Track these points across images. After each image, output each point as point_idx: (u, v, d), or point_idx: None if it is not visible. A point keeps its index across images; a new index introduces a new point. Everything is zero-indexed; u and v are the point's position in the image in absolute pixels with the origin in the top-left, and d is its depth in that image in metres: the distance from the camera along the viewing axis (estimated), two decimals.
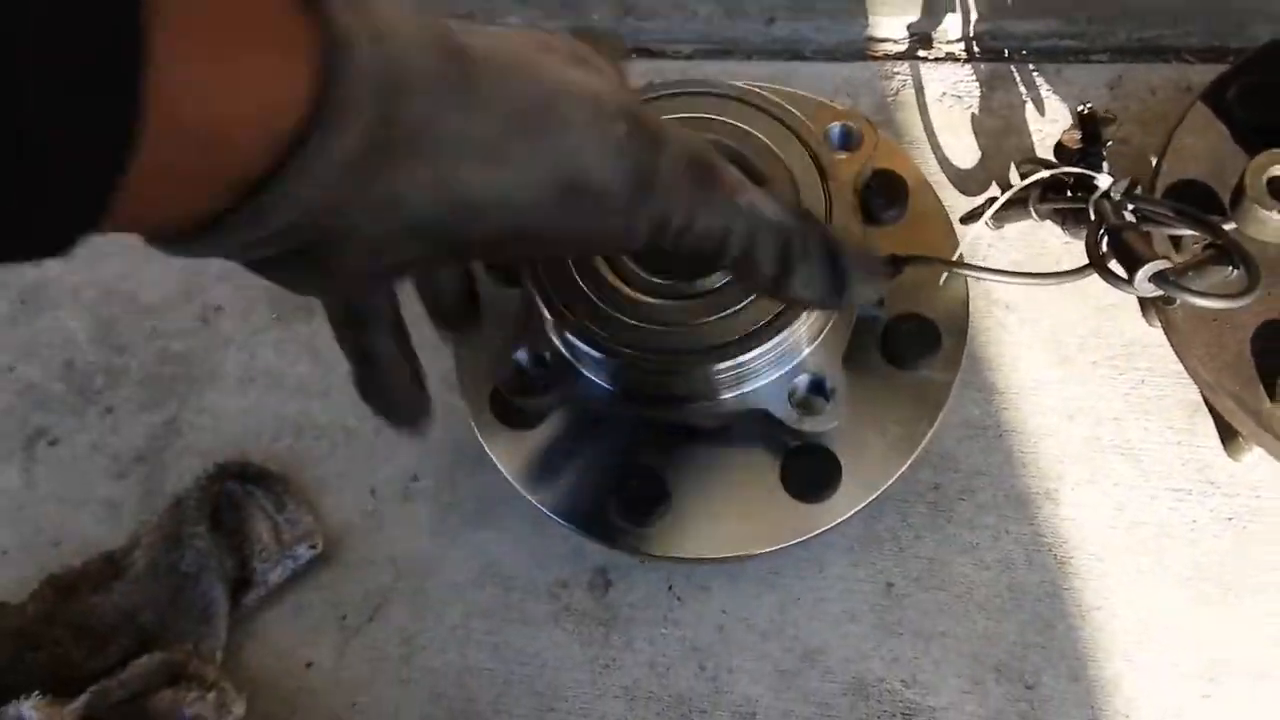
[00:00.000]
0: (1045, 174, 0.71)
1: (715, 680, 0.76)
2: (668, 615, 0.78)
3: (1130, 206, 0.65)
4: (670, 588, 0.79)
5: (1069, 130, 0.74)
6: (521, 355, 0.68)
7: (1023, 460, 0.80)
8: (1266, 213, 0.64)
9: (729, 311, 0.64)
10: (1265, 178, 0.65)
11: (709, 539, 0.70)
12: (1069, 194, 0.72)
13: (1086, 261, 0.63)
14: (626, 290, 0.65)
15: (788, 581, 0.78)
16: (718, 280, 0.64)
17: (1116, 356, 0.81)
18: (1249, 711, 0.71)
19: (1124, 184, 0.68)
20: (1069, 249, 0.85)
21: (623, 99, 0.45)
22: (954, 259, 0.72)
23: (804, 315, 0.63)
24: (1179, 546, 0.76)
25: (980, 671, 0.74)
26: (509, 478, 0.74)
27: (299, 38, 0.34)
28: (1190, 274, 0.61)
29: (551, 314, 0.65)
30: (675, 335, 0.63)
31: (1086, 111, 0.72)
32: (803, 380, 0.66)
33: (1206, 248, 0.62)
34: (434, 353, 0.86)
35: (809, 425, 0.65)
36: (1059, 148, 0.74)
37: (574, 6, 1.01)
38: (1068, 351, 0.82)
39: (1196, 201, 0.72)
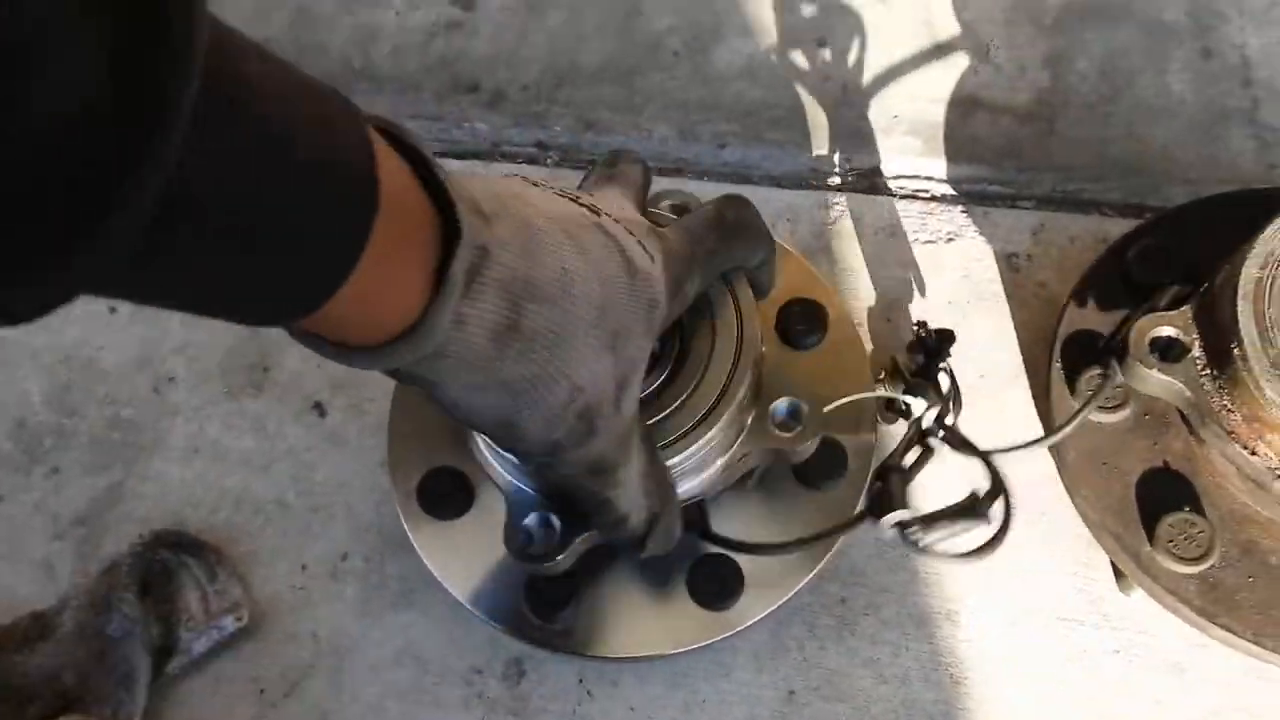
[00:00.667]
0: (875, 395, 0.76)
1: None
2: (576, 709, 0.81)
3: (940, 434, 0.70)
4: (581, 681, 0.82)
5: (908, 349, 0.77)
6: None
7: (926, 581, 0.83)
8: (1148, 370, 0.70)
9: (661, 416, 0.67)
10: (1148, 338, 0.70)
11: (615, 639, 0.74)
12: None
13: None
14: None
15: (694, 683, 0.81)
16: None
17: (1020, 488, 0.85)
18: None
19: (934, 412, 0.72)
20: (982, 381, 0.90)
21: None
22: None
23: (723, 420, 0.67)
24: (1070, 675, 0.79)
25: None
26: (430, 567, 0.77)
27: (432, 238, 0.46)
28: (943, 523, 0.67)
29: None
30: None
31: (924, 333, 0.75)
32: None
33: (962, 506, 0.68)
34: (371, 435, 0.91)
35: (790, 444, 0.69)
36: (893, 365, 0.77)
37: (539, 119, 1.07)
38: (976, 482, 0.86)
39: (1090, 351, 0.77)
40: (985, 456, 0.67)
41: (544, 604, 0.73)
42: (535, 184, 0.57)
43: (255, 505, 0.91)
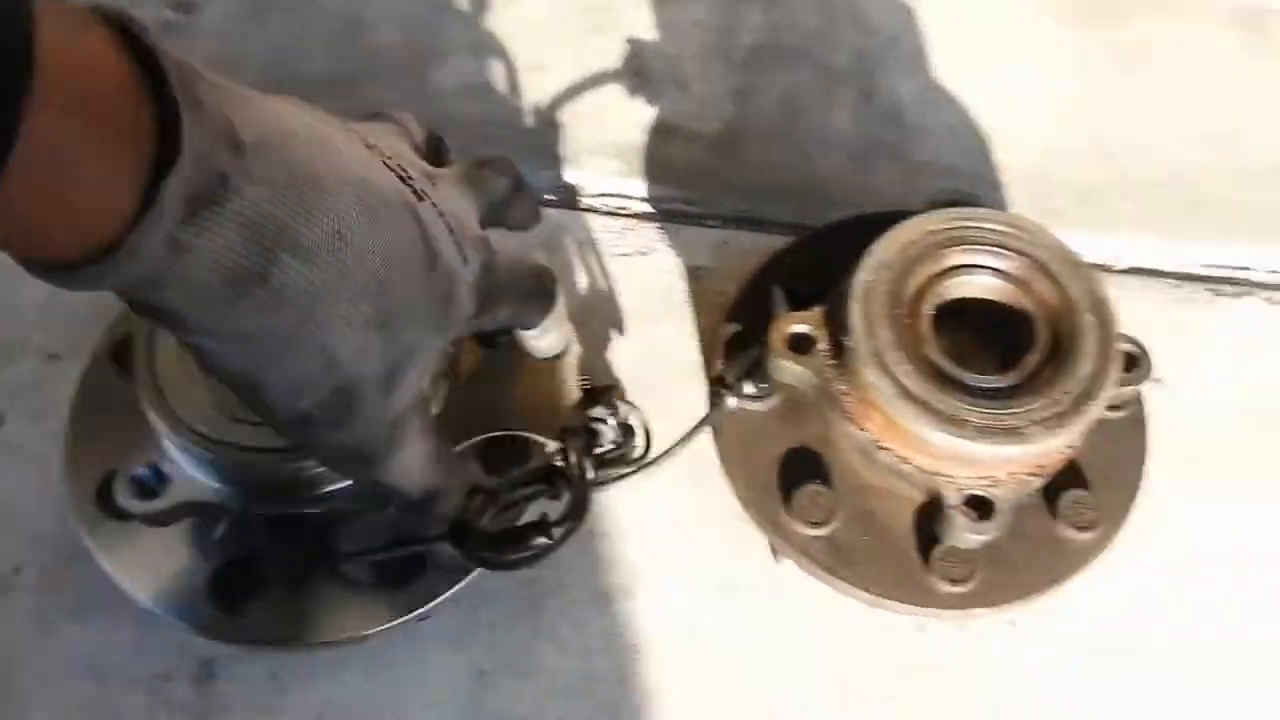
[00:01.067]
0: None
1: None
2: (271, 705, 0.82)
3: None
4: (274, 677, 0.83)
5: (577, 407, 0.84)
6: (138, 470, 0.73)
7: (609, 560, 0.91)
8: (783, 362, 0.80)
9: None
10: (785, 334, 0.81)
11: (301, 628, 0.76)
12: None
13: None
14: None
15: (392, 672, 0.84)
16: None
17: (695, 472, 0.94)
18: None
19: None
20: (670, 381, 0.98)
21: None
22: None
23: None
24: (727, 637, 0.88)
25: None
26: (109, 571, 0.77)
27: (145, 147, 0.41)
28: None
29: (159, 416, 0.70)
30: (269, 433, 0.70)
31: (590, 388, 0.84)
32: None
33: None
34: (55, 441, 0.89)
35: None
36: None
37: None
38: (657, 465, 0.95)
39: (747, 348, 0.87)
40: (583, 486, 0.75)
41: (227, 598, 0.75)
42: (369, 145, 0.54)
43: None
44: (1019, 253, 0.80)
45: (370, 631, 0.77)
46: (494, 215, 0.69)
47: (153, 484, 0.73)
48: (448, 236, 0.56)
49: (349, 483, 0.73)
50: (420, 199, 0.54)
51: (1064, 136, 1.14)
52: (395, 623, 0.77)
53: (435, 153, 0.68)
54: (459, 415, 0.78)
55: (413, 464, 0.60)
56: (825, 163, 1.12)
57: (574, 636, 0.87)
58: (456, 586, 0.78)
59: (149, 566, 0.76)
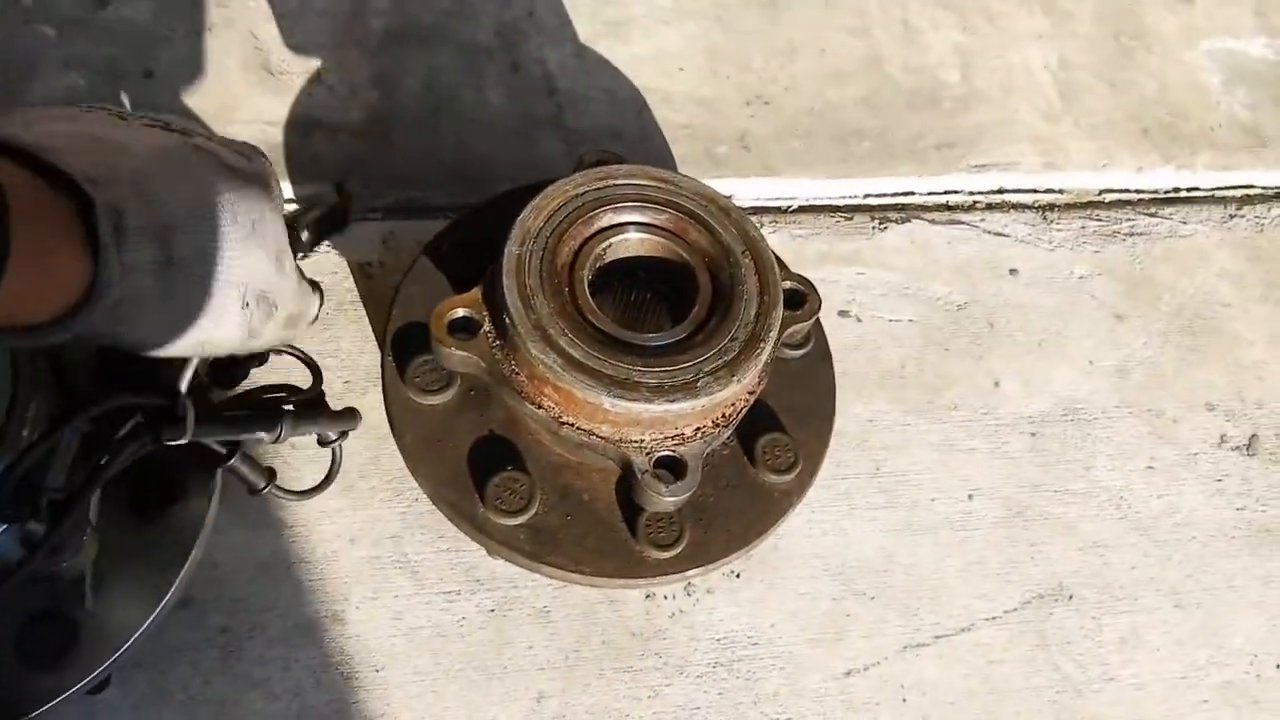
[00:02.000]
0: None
1: None
2: None
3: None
4: None
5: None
6: None
7: (311, 588, 0.85)
8: (448, 350, 0.76)
9: None
10: (447, 320, 0.77)
11: None
12: None
13: None
14: None
15: None
16: None
17: (393, 480, 0.90)
18: None
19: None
20: (348, 386, 0.93)
21: None
22: None
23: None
24: (450, 643, 0.85)
25: None
26: None
27: (78, 249, 0.52)
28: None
29: None
30: None
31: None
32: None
33: None
34: None
35: (44, 565, 0.64)
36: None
37: None
38: (350, 481, 0.89)
39: (422, 338, 0.83)
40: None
41: None
42: (122, 117, 0.61)
43: None
44: (666, 205, 0.80)
45: (30, 716, 0.68)
46: None
47: None
48: (223, 149, 0.63)
49: None
50: (189, 135, 0.63)
51: (715, 87, 1.16)
52: (53, 703, 0.68)
53: None
54: None
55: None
56: (483, 141, 1.09)
57: (282, 676, 0.81)
58: (116, 654, 0.70)
59: None
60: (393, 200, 1.05)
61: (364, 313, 0.98)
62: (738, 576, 0.91)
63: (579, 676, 0.85)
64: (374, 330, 0.97)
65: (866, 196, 1.14)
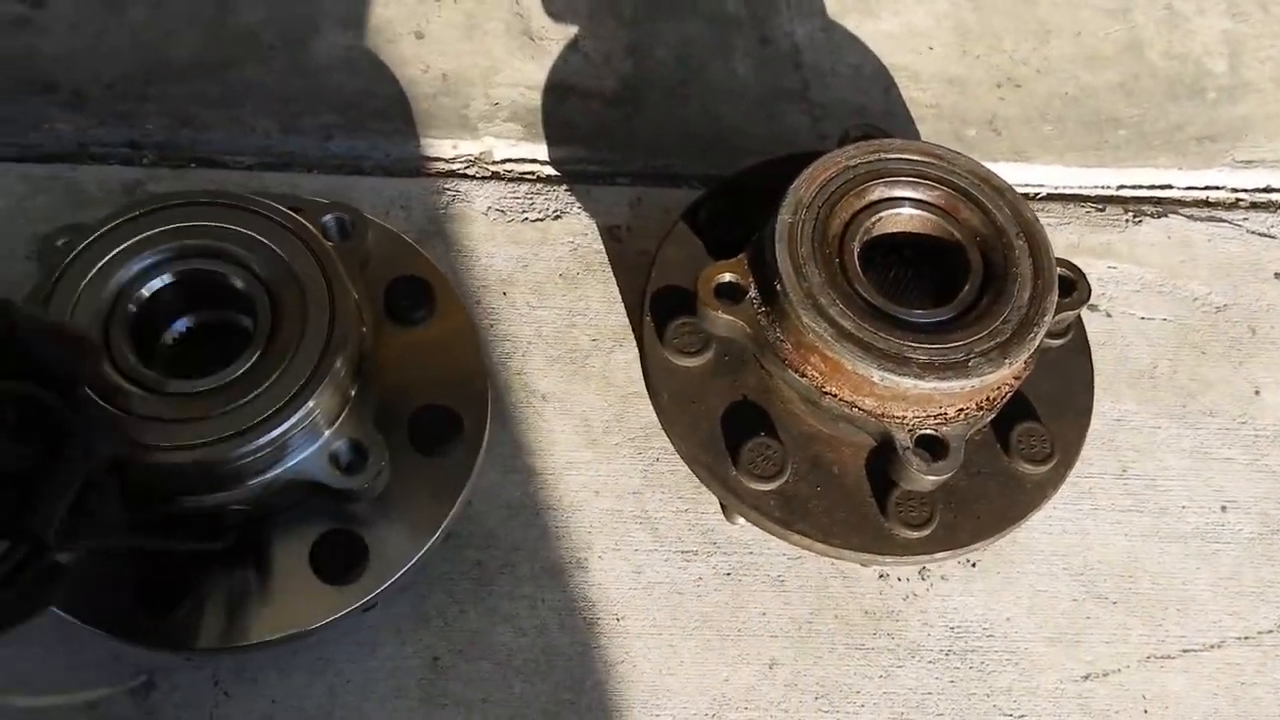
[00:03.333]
0: None
1: None
2: (214, 711, 0.78)
3: None
4: (216, 683, 0.79)
5: None
6: None
7: (557, 534, 0.88)
8: (715, 313, 0.78)
9: (251, 396, 0.67)
10: (714, 284, 0.78)
11: (240, 628, 0.72)
12: None
13: None
14: (142, 393, 0.67)
15: (339, 666, 0.81)
16: (231, 374, 0.68)
17: (636, 438, 0.93)
18: None
19: None
20: (595, 345, 0.96)
21: None
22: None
23: (320, 393, 0.68)
24: (687, 601, 0.86)
25: None
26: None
27: None
28: None
29: None
30: (203, 424, 0.66)
31: None
32: (342, 445, 0.71)
33: None
34: None
35: (355, 483, 0.70)
36: None
37: (128, 117, 1.02)
38: (595, 435, 0.92)
39: (678, 302, 0.85)
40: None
41: (157, 601, 0.70)
42: None
43: None
44: (940, 182, 0.79)
45: (312, 627, 0.73)
46: None
47: None
48: None
49: (284, 467, 0.70)
50: None
51: (965, 67, 1.14)
52: (337, 615, 0.73)
53: None
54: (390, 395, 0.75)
55: None
56: (730, 112, 1.10)
57: (529, 613, 0.85)
58: (396, 576, 0.75)
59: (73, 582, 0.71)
60: (641, 166, 1.07)
61: (611, 275, 1.00)
62: (974, 566, 0.89)
63: (811, 648, 0.85)
64: (620, 292, 0.99)
65: (1120, 188, 1.10)
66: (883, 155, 0.79)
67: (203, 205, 0.72)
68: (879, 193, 0.79)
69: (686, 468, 0.88)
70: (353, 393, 0.72)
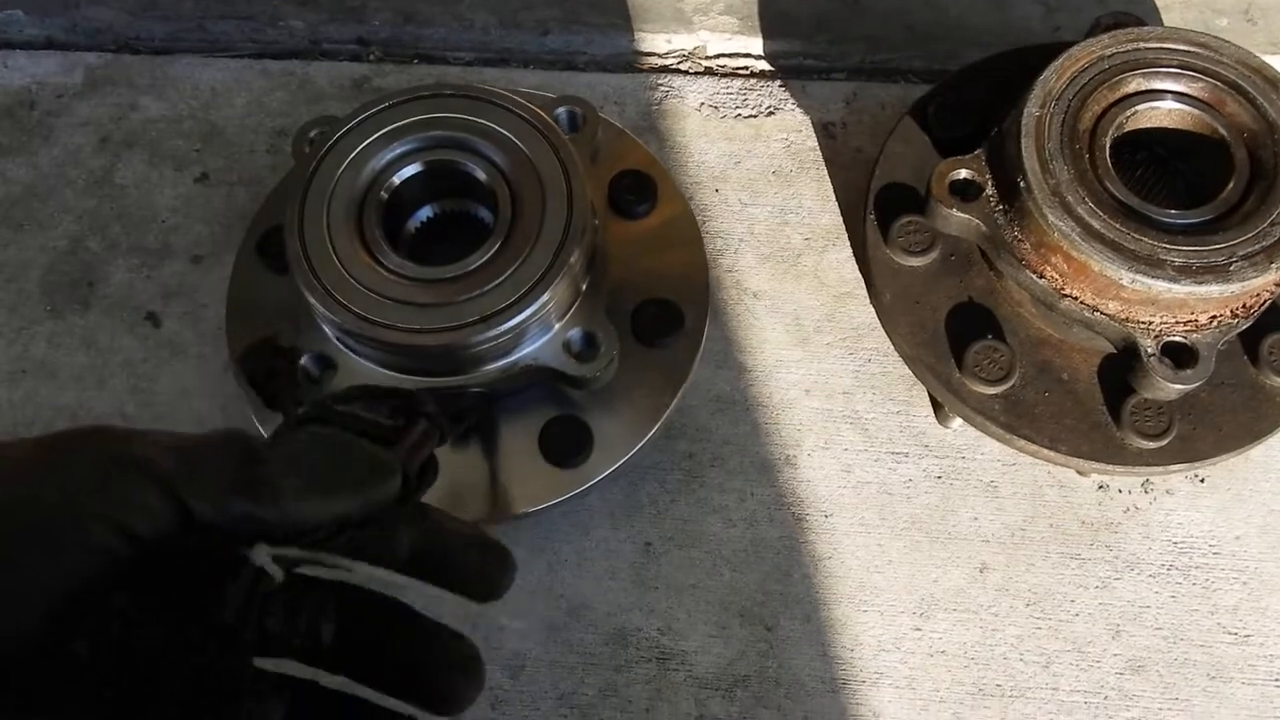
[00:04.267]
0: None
1: (487, 639, 0.81)
2: None
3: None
4: None
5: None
6: (306, 360, 0.72)
7: (766, 430, 0.89)
8: (949, 210, 0.75)
9: (493, 285, 0.70)
10: (948, 181, 0.76)
11: (474, 503, 0.76)
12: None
13: None
14: (394, 278, 0.71)
15: (556, 545, 0.85)
16: (474, 262, 0.71)
17: (848, 338, 0.92)
18: (949, 640, 0.82)
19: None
20: (808, 244, 0.95)
21: None
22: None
23: (557, 283, 0.70)
24: (896, 502, 0.86)
25: (726, 617, 0.83)
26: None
27: None
28: None
29: (326, 308, 0.70)
30: (450, 310, 0.70)
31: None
32: (575, 334, 0.74)
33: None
34: (211, 341, 0.90)
35: (587, 370, 0.72)
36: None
37: (356, 13, 1.05)
38: (806, 334, 0.92)
39: (902, 199, 0.83)
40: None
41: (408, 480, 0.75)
42: None
43: (94, 420, 0.88)
44: (1205, 74, 0.74)
45: (541, 507, 0.76)
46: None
47: (318, 373, 0.73)
48: None
49: (509, 359, 0.72)
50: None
51: None
52: (564, 497, 0.77)
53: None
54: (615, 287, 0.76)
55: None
56: (954, 3, 1.05)
57: (738, 506, 0.86)
58: (620, 462, 0.77)
59: None
60: (858, 60, 1.04)
61: (825, 172, 0.98)
62: (1202, 481, 0.86)
63: (1024, 555, 0.84)
64: (834, 190, 0.97)
65: None
66: (1142, 44, 0.74)
67: (447, 98, 0.75)
68: (1136, 84, 0.74)
69: (899, 369, 0.87)
70: (584, 285, 0.74)
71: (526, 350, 0.72)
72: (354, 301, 0.70)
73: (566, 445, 0.76)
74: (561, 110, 0.78)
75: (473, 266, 0.71)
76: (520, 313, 0.69)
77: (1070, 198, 0.70)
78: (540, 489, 0.76)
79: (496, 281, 0.70)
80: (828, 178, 0.98)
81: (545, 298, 0.70)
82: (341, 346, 0.74)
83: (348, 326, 0.70)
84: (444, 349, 0.70)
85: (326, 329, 0.73)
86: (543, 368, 0.73)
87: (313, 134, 0.76)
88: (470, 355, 0.72)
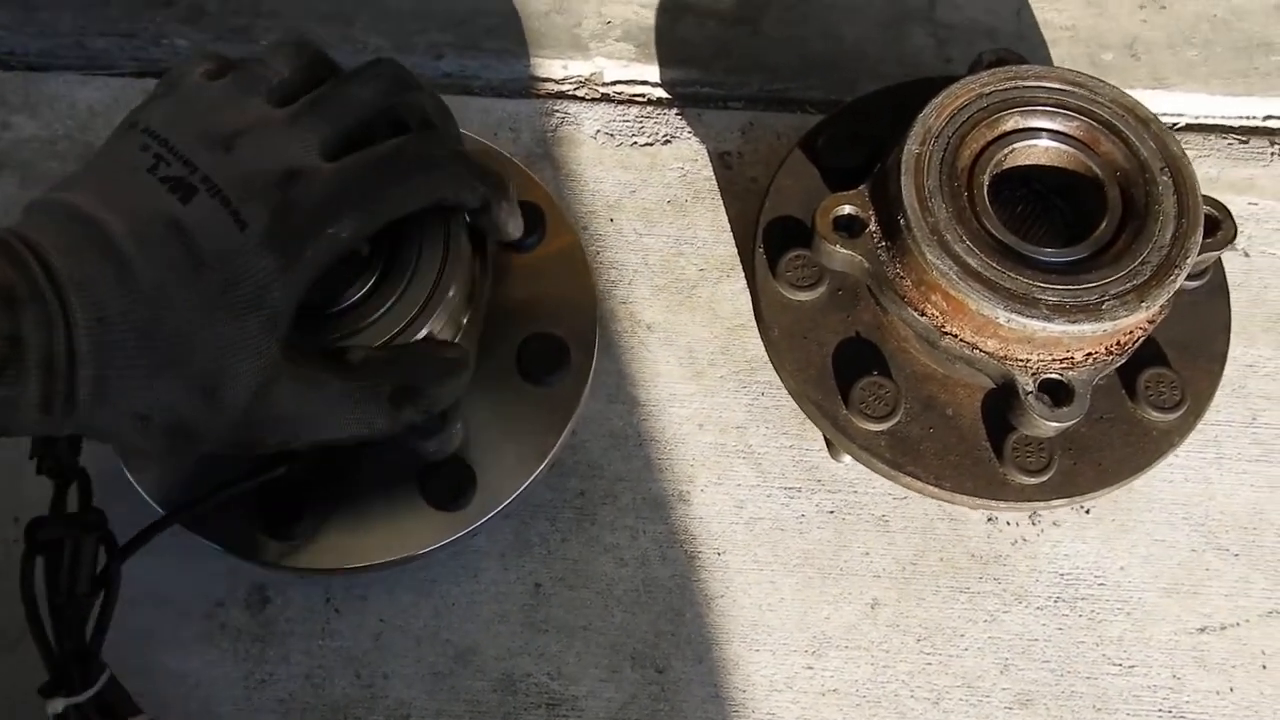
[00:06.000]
0: None
1: (371, 687, 0.79)
2: (325, 627, 0.81)
3: None
4: (329, 600, 0.82)
5: None
6: None
7: (659, 466, 0.88)
8: (833, 247, 0.75)
9: (368, 322, 0.67)
10: (832, 216, 0.76)
11: (352, 550, 0.74)
12: None
13: None
14: None
15: (444, 588, 0.83)
16: (348, 298, 0.68)
17: (741, 371, 0.91)
18: (841, 678, 0.81)
19: None
20: (703, 275, 0.94)
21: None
22: None
23: (436, 318, 0.68)
24: (789, 538, 0.86)
25: (618, 660, 0.81)
26: (152, 503, 0.74)
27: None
28: None
29: None
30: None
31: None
32: None
33: None
34: None
35: (431, 447, 0.69)
36: None
37: (243, 33, 1.02)
38: (700, 367, 0.91)
39: (792, 232, 0.82)
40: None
41: (276, 523, 0.72)
42: (144, 147, 0.59)
43: None
44: (1080, 112, 0.75)
45: (422, 552, 0.74)
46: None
47: None
48: (220, 213, 0.57)
49: None
50: (185, 196, 0.56)
51: None
52: (445, 541, 0.75)
53: (312, 76, 0.68)
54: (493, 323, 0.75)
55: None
56: (851, 33, 1.05)
57: (630, 544, 0.85)
58: (505, 503, 0.75)
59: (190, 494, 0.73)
60: (755, 90, 1.03)
61: (720, 202, 0.98)
62: (1087, 513, 0.86)
63: (914, 590, 0.84)
64: (730, 220, 0.97)
65: (1268, 118, 1.03)
66: (1020, 82, 0.75)
67: None
68: (1014, 123, 0.74)
69: (792, 403, 0.87)
70: (464, 320, 0.72)
71: None
72: None
73: (448, 487, 0.74)
74: None
75: (345, 303, 0.68)
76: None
77: (949, 236, 0.71)
78: (423, 533, 0.74)
79: (370, 319, 0.68)
80: (723, 207, 0.97)
81: (424, 333, 0.68)
82: None
83: None
84: None
85: None
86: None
87: None
88: None
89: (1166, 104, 1.02)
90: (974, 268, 0.70)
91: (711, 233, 0.96)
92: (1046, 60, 1.03)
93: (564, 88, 1.03)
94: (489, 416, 0.75)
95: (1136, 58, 1.03)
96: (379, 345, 0.66)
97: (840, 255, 0.75)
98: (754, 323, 0.91)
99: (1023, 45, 1.04)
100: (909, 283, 0.74)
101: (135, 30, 1.02)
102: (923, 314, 0.73)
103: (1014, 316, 0.68)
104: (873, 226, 0.76)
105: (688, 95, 1.03)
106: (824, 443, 0.87)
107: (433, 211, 0.67)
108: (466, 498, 0.74)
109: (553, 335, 0.78)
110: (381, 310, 0.67)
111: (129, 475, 0.76)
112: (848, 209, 0.76)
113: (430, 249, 0.68)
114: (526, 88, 1.03)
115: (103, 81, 1.00)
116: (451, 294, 0.68)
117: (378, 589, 0.82)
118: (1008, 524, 0.86)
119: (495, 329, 0.77)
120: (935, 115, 0.74)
